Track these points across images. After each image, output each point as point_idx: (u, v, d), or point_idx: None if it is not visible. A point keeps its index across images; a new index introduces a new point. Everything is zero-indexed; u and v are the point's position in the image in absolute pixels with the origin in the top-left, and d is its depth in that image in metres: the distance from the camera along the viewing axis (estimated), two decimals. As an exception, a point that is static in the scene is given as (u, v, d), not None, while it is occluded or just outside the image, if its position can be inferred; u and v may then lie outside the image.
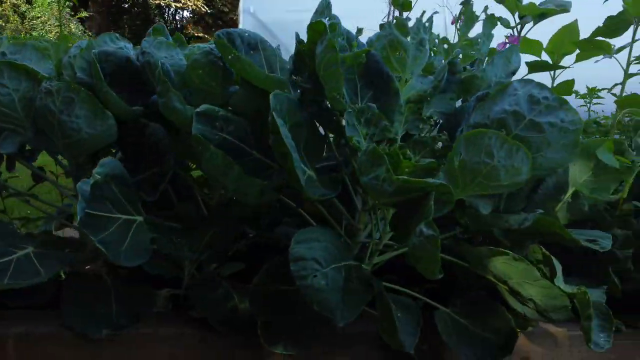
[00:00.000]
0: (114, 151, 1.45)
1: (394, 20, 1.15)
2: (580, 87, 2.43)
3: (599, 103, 2.66)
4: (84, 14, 11.14)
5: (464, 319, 1.20)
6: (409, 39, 1.08)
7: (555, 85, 2.16)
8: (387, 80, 1.11)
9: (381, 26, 1.68)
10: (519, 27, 2.09)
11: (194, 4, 13.47)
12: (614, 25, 2.36)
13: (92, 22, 15.25)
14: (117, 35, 1.40)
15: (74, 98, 1.18)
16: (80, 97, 1.18)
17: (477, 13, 1.86)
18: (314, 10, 1.16)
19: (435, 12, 1.42)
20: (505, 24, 1.97)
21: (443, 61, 1.21)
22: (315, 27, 1.05)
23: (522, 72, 2.32)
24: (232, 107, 1.21)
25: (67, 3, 10.93)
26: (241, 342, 1.22)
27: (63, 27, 10.05)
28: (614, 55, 2.14)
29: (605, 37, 2.22)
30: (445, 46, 1.31)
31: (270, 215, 1.44)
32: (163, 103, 1.17)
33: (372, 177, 0.94)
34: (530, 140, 1.06)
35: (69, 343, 1.17)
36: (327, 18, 1.10)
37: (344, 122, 1.05)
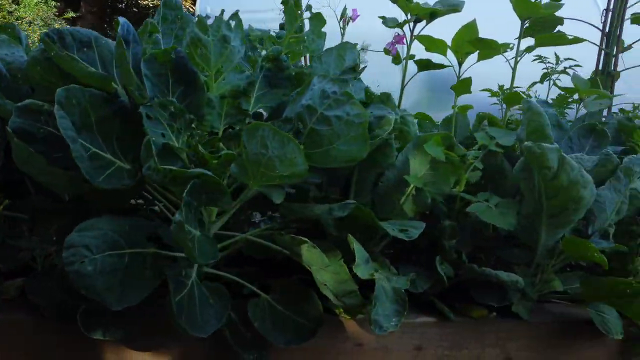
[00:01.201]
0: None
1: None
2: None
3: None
4: (70, 14, 11.22)
5: (281, 305, 1.25)
6: (209, 36, 1.13)
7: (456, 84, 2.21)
8: (194, 77, 1.17)
9: (281, 26, 1.74)
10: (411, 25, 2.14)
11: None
12: (539, 25, 2.42)
13: (84, 23, 15.33)
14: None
15: None
16: None
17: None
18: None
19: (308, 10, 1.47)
20: (391, 24, 2.02)
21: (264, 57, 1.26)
22: (115, 24, 1.10)
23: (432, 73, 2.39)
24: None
25: (54, 3, 11.05)
26: (74, 330, 1.27)
27: (49, 27, 10.14)
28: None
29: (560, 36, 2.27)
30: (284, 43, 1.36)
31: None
32: (-10, 98, 1.22)
33: (146, 167, 1.00)
34: (322, 133, 1.11)
35: None
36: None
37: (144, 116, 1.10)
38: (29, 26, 10.50)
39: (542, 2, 2.30)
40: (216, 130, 1.24)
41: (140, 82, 1.19)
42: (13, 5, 10.69)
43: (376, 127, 1.28)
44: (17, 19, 10.38)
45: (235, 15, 1.17)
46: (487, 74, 2.26)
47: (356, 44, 1.35)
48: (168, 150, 1.09)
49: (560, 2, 2.09)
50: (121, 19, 1.07)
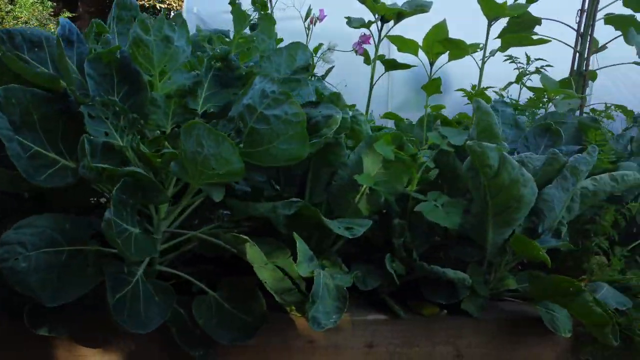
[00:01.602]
0: None
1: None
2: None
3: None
4: (66, 14, 11.24)
5: (227, 302, 1.27)
6: (151, 36, 1.14)
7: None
8: (137, 76, 1.18)
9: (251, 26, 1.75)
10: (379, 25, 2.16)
11: (178, 5, 13.60)
12: (516, 25, 2.43)
13: (82, 23, 15.32)
14: None
15: None
16: None
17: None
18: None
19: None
20: (356, 25, 2.04)
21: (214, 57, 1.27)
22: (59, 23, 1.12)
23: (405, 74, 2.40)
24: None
25: (50, 4, 11.07)
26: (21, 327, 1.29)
27: (44, 27, 10.17)
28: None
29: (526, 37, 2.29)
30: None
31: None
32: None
33: (81, 166, 1.01)
34: (262, 132, 1.13)
35: None
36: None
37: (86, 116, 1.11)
38: (25, 26, 10.53)
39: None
40: (163, 129, 1.25)
41: (85, 81, 1.20)
42: (9, 6, 10.73)
43: (324, 127, 1.29)
44: (13, 19, 10.41)
45: (179, 16, 1.18)
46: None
47: (321, 44, 1.37)
48: (109, 148, 1.11)
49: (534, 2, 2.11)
50: (62, 20, 1.09)
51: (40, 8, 11.36)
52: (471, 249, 1.48)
